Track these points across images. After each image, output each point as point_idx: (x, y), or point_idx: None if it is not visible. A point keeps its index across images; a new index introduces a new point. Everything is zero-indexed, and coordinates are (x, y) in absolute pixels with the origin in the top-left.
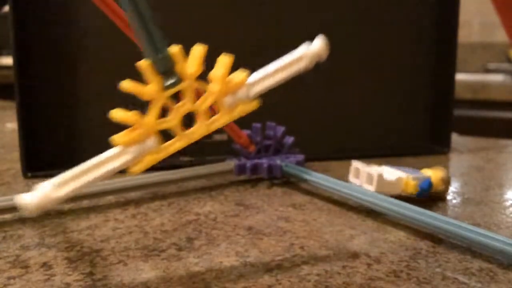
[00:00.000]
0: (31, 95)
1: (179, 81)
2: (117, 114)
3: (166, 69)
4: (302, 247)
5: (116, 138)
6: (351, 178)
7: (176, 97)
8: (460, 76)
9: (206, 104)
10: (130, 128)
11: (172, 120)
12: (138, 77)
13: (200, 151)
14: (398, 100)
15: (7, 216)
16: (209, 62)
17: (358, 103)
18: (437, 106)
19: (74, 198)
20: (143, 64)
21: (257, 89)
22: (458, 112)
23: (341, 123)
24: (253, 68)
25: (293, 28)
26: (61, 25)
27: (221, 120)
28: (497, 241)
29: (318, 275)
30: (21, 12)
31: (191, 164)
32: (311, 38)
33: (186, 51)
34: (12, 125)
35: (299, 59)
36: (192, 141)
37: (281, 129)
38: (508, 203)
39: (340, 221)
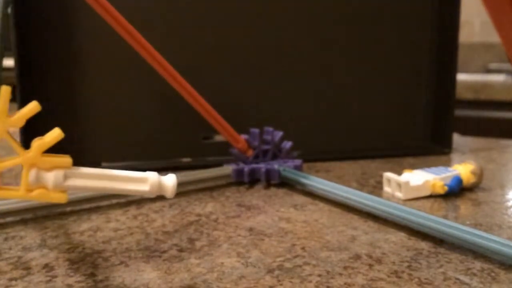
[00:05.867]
0: (31, 97)
1: None
2: None
3: None
4: (303, 248)
5: None
6: (385, 187)
7: None
8: (461, 76)
9: (5, 164)
10: None
11: None
12: (138, 77)
13: (201, 152)
14: (400, 101)
15: (9, 218)
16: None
17: (359, 104)
18: (438, 106)
19: (74, 200)
20: None
21: (74, 182)
22: (459, 112)
23: (343, 124)
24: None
25: (293, 29)
26: (62, 26)
27: (11, 193)
28: (497, 243)
29: (319, 275)
30: (22, 13)
31: (190, 166)
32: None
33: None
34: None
35: (141, 180)
36: None
37: (279, 134)
38: (509, 204)
39: (341, 221)
